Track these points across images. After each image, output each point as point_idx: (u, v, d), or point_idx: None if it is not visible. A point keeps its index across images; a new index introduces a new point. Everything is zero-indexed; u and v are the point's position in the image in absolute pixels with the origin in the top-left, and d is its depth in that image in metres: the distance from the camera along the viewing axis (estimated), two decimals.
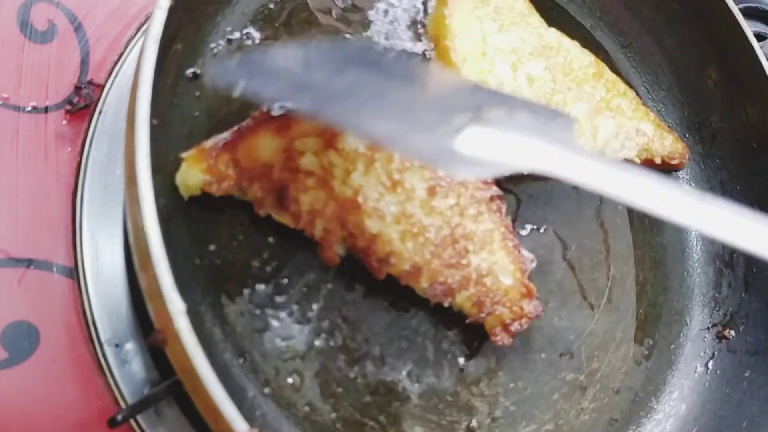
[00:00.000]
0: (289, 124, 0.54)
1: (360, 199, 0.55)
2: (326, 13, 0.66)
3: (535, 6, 0.77)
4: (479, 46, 0.66)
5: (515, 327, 0.60)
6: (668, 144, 0.74)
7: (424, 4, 0.71)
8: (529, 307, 0.61)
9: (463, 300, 0.59)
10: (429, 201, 0.58)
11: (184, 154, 0.54)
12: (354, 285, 0.59)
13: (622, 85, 0.74)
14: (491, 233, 0.61)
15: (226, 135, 0.54)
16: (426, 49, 0.69)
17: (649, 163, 0.73)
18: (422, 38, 0.69)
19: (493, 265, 0.60)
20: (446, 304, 0.59)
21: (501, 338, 0.60)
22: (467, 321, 0.60)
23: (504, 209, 0.62)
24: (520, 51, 0.68)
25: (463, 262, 0.59)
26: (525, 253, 0.63)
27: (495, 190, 0.62)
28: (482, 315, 0.59)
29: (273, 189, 0.52)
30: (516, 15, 0.70)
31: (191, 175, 0.54)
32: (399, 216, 0.57)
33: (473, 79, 0.63)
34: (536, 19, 0.72)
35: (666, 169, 0.76)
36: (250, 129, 0.54)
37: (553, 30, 0.72)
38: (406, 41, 0.69)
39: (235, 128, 0.55)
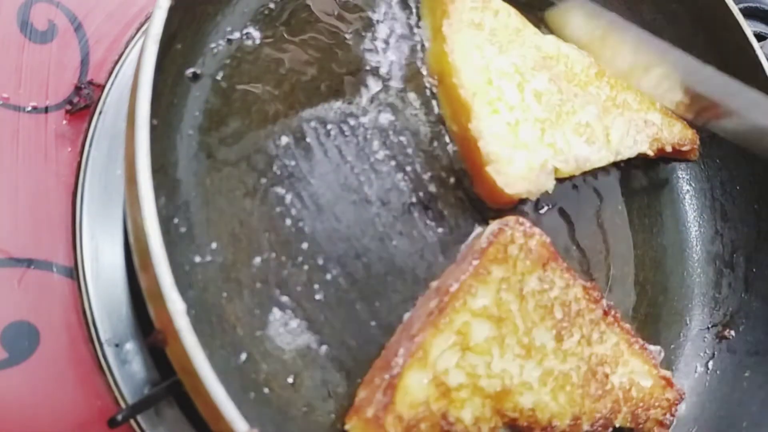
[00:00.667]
0: (426, 351, 0.55)
1: (507, 382, 0.57)
2: (328, 14, 0.66)
3: (537, 8, 0.77)
4: (484, 76, 0.65)
5: (668, 419, 0.64)
6: (677, 131, 0.75)
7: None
8: (673, 394, 0.65)
9: (621, 421, 0.62)
10: (559, 347, 0.60)
11: (347, 426, 0.54)
12: None
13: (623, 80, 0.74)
14: (618, 346, 0.63)
15: (379, 396, 0.54)
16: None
17: (661, 152, 0.73)
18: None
19: (631, 375, 0.63)
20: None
21: None
22: None
23: (619, 316, 0.64)
24: (523, 68, 0.67)
25: (607, 388, 0.61)
26: (650, 347, 0.66)
27: (605, 304, 0.64)
28: (640, 425, 0.63)
29: (437, 421, 0.54)
30: (512, 32, 0.69)
31: None
32: (543, 378, 0.59)
33: (484, 112, 0.63)
34: (531, 30, 0.70)
35: (678, 157, 0.76)
36: (397, 378, 0.54)
37: (549, 37, 0.71)
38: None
39: (380, 377, 0.55)
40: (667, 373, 0.65)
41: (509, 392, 0.57)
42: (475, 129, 0.63)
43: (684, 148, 0.75)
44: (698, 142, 0.76)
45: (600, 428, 0.61)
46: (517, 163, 0.63)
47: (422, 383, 0.55)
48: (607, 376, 0.62)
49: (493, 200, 0.64)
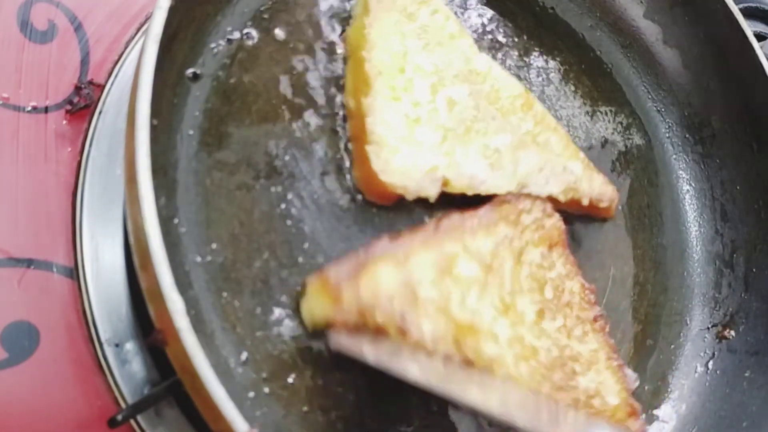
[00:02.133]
0: (408, 256, 0.55)
1: (477, 322, 0.56)
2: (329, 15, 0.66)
3: (536, 7, 0.78)
4: (398, 62, 0.62)
5: None
6: (597, 186, 0.69)
7: None
8: (636, 425, 0.62)
9: None
10: (539, 323, 0.60)
11: (307, 280, 0.55)
12: None
13: (552, 120, 0.69)
14: (597, 353, 0.62)
15: (347, 265, 0.55)
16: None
17: (575, 204, 0.68)
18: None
19: (599, 385, 0.61)
20: None
21: None
22: None
23: (607, 328, 0.64)
24: (444, 73, 0.64)
25: (572, 383, 0.60)
26: (628, 372, 0.64)
27: (598, 310, 0.63)
28: None
29: (395, 319, 0.54)
30: (445, 36, 0.66)
31: (317, 307, 0.54)
32: (512, 340, 0.58)
33: (383, 93, 0.60)
34: (467, 42, 0.67)
35: (595, 214, 0.71)
36: (372, 260, 0.55)
37: (483, 55, 0.68)
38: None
39: (356, 257, 0.56)
40: (637, 404, 0.63)
41: (476, 332, 0.56)
42: (368, 105, 0.60)
43: (602, 205, 0.70)
44: (617, 200, 0.72)
45: None
46: (402, 157, 0.59)
47: (393, 280, 0.54)
48: (575, 373, 0.60)
49: (369, 188, 0.60)
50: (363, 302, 0.53)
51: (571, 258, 0.64)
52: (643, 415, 0.63)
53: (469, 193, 0.62)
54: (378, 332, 0.54)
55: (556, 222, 0.63)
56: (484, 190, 0.63)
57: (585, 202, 0.69)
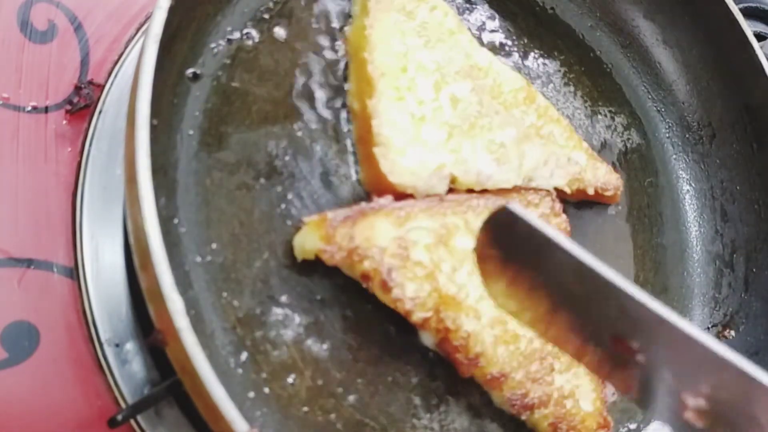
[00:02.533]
0: (408, 217, 0.56)
1: (461, 296, 0.56)
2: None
3: (536, 7, 0.78)
4: (400, 62, 0.62)
5: None
6: (602, 174, 0.70)
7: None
8: None
9: (539, 418, 0.60)
10: None
11: (306, 219, 0.56)
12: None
13: (554, 112, 0.70)
14: None
15: (348, 211, 0.56)
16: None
17: (581, 194, 0.69)
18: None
19: (575, 388, 0.61)
20: (523, 418, 0.60)
21: None
22: None
23: None
24: (446, 70, 0.64)
25: (548, 379, 0.59)
26: (608, 384, 0.63)
27: None
28: None
29: (381, 271, 0.54)
30: (444, 32, 0.66)
31: (309, 240, 0.55)
32: (495, 320, 0.58)
33: (388, 94, 0.60)
34: (466, 37, 0.67)
35: (600, 200, 0.72)
36: (372, 211, 0.55)
37: (484, 50, 0.68)
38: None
39: (358, 207, 0.57)
40: (609, 419, 0.63)
41: (458, 304, 0.56)
42: (373, 107, 0.60)
43: (607, 193, 0.70)
44: (622, 187, 0.72)
45: (517, 404, 0.58)
46: (409, 157, 0.60)
47: (388, 234, 0.55)
48: (553, 369, 0.60)
49: (378, 190, 0.59)
50: (354, 246, 0.53)
51: None
52: None
53: (477, 188, 0.62)
54: (361, 278, 0.55)
55: (561, 222, 0.64)
56: (491, 185, 0.63)
57: (591, 191, 0.70)
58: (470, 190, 0.62)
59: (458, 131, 0.63)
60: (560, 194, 0.67)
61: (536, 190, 0.65)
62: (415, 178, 0.59)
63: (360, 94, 0.62)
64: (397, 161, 0.59)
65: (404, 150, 0.60)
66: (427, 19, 0.65)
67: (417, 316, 0.55)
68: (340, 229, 0.53)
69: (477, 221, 0.59)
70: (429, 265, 0.56)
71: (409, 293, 0.55)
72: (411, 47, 0.63)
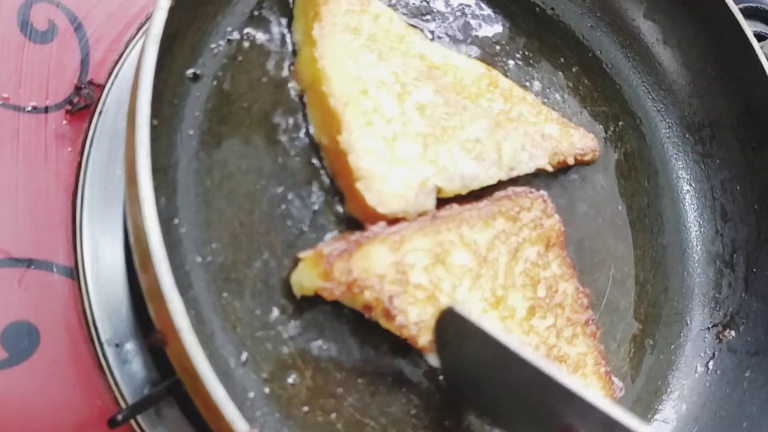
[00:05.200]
0: (403, 240, 0.56)
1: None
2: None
3: (536, 7, 0.78)
4: (359, 85, 0.59)
5: None
6: (577, 140, 0.71)
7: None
8: None
9: None
10: (528, 320, 0.60)
11: (301, 255, 0.55)
12: None
13: (519, 91, 0.69)
14: (584, 357, 0.62)
15: (343, 244, 0.55)
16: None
17: (562, 165, 0.70)
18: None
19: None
20: None
21: None
22: None
23: (598, 334, 0.64)
24: (404, 78, 0.62)
25: None
26: (615, 380, 0.64)
27: (590, 314, 0.64)
28: None
29: (383, 299, 0.54)
30: (394, 38, 0.63)
31: (307, 278, 0.54)
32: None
33: (356, 123, 0.58)
34: (417, 37, 0.65)
35: (580, 164, 0.73)
36: (367, 240, 0.55)
37: (436, 45, 0.67)
38: None
39: (353, 237, 0.56)
40: None
41: None
42: (346, 142, 0.57)
43: (587, 158, 0.71)
44: (599, 147, 0.73)
45: None
46: (392, 181, 0.58)
47: (385, 261, 0.54)
48: None
49: (368, 219, 0.58)
50: (353, 279, 0.53)
51: (568, 261, 0.65)
52: None
53: (464, 192, 0.62)
54: (363, 309, 0.55)
55: (554, 223, 0.64)
56: (477, 185, 0.62)
57: (571, 161, 0.70)
58: (459, 197, 0.62)
59: (432, 139, 0.61)
60: (544, 172, 0.67)
61: (527, 194, 0.65)
62: (402, 201, 0.58)
63: (326, 128, 0.59)
64: (382, 190, 0.58)
65: (386, 176, 0.58)
66: (374, 30, 0.63)
67: (423, 340, 0.55)
68: (338, 264, 0.53)
69: (471, 234, 0.59)
70: (429, 286, 0.56)
71: (413, 318, 0.55)
72: (366, 66, 0.61)
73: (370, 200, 0.57)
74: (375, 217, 0.57)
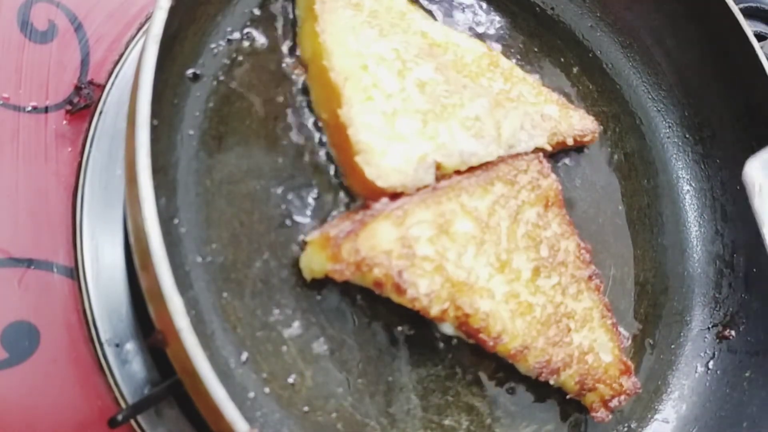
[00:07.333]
0: (406, 214, 0.56)
1: (472, 280, 0.57)
2: None
3: (536, 7, 0.77)
4: (359, 60, 0.60)
5: (614, 403, 0.63)
6: (577, 122, 0.71)
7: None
8: (628, 383, 0.63)
9: (566, 378, 0.61)
10: (534, 281, 0.61)
11: (308, 238, 0.56)
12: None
13: (519, 72, 0.69)
14: (591, 311, 0.64)
15: (348, 224, 0.56)
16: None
17: (561, 146, 0.70)
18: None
19: (593, 342, 0.63)
20: (552, 382, 0.61)
21: (601, 414, 0.63)
22: (567, 397, 0.62)
23: (602, 287, 0.65)
24: (405, 55, 0.62)
25: (566, 340, 0.61)
26: (622, 330, 0.66)
27: (593, 269, 0.65)
28: (583, 392, 0.62)
29: (392, 275, 0.54)
30: (395, 15, 0.64)
31: (316, 261, 0.55)
32: (508, 295, 0.59)
33: (356, 98, 0.58)
34: (418, 15, 0.66)
35: (579, 146, 0.73)
36: (371, 218, 0.56)
37: (438, 24, 0.67)
38: None
39: (358, 217, 0.57)
40: (629, 363, 0.64)
41: (471, 288, 0.57)
42: (345, 116, 0.58)
43: (586, 139, 0.71)
44: (599, 128, 0.73)
45: (544, 371, 0.60)
46: (391, 155, 0.58)
47: (390, 236, 0.55)
48: (569, 329, 0.61)
49: (367, 194, 0.59)
50: (361, 258, 0.53)
51: (567, 218, 0.65)
52: (634, 378, 0.64)
53: (463, 168, 0.62)
54: (374, 286, 0.55)
55: (551, 182, 0.65)
56: (476, 162, 0.63)
57: (570, 141, 0.70)
58: (458, 172, 0.62)
59: (432, 116, 0.62)
60: (543, 153, 0.67)
61: (523, 155, 0.65)
62: (402, 176, 0.59)
63: (326, 102, 0.60)
64: (381, 164, 0.58)
65: (385, 150, 0.59)
66: (375, 6, 0.64)
67: (435, 310, 0.56)
68: (345, 245, 0.53)
69: (471, 201, 0.60)
70: (435, 257, 0.56)
71: (423, 290, 0.55)
72: (366, 42, 0.61)
73: (369, 174, 0.57)
74: (374, 191, 0.58)
